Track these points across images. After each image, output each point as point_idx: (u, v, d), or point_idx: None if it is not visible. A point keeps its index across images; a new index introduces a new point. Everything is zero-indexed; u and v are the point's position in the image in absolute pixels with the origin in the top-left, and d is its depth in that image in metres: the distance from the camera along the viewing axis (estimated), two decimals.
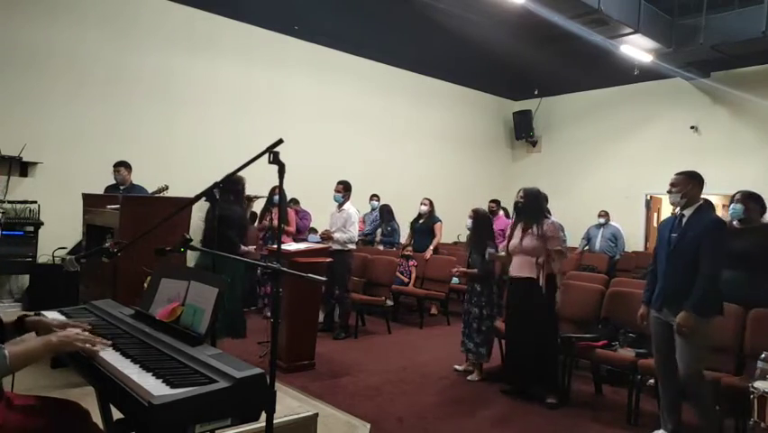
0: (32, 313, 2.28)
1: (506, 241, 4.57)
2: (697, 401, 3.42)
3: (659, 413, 3.67)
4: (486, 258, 4.80)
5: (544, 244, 4.23)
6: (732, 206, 4.20)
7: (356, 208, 6.44)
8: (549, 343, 4.26)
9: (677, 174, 3.58)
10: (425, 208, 7.87)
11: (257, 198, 6.83)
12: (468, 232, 5.17)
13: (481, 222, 5.02)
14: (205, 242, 4.51)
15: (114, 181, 5.84)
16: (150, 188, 5.85)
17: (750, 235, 4.00)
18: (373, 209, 8.46)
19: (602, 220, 9.24)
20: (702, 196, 3.96)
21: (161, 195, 5.63)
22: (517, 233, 4.42)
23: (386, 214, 8.27)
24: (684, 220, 3.52)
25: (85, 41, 7.07)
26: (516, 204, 4.51)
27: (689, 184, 3.53)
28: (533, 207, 4.40)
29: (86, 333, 1.87)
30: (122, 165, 5.81)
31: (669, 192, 3.60)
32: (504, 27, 9.70)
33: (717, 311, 3.43)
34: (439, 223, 7.90)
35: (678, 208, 3.60)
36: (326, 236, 6.19)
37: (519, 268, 4.34)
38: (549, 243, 4.23)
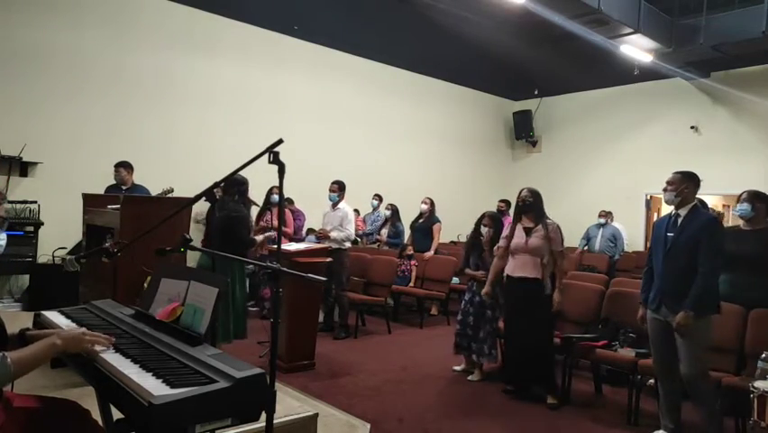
0: (33, 317, 2.29)
1: (505, 241, 4.51)
2: (701, 401, 3.41)
3: (659, 413, 3.67)
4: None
5: (549, 245, 4.24)
6: (739, 205, 4.19)
7: (350, 208, 6.41)
8: (548, 343, 4.25)
9: (674, 173, 3.60)
10: (425, 207, 7.86)
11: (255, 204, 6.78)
12: (479, 235, 5.05)
13: (499, 226, 4.95)
14: (208, 242, 4.51)
15: (114, 181, 5.84)
16: (154, 190, 5.83)
17: (754, 238, 3.99)
18: (374, 209, 8.43)
19: (602, 220, 9.23)
20: (701, 196, 3.97)
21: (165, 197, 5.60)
22: (518, 232, 4.39)
23: (393, 215, 8.26)
24: (680, 220, 3.54)
25: (85, 41, 7.07)
26: (523, 202, 4.42)
27: (684, 183, 3.55)
28: (539, 206, 4.41)
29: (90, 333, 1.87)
30: (121, 165, 5.80)
31: (664, 190, 3.62)
32: (504, 27, 9.70)
33: (714, 310, 3.45)
34: (438, 224, 7.90)
35: (673, 208, 3.61)
36: (323, 235, 6.17)
37: (522, 268, 4.30)
38: (552, 244, 4.25)
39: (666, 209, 12.20)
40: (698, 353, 3.38)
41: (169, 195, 5.64)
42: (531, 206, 4.39)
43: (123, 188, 5.71)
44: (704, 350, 3.43)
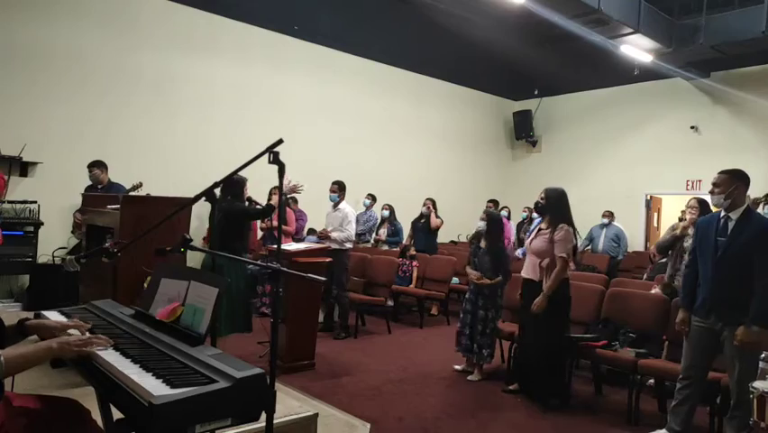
0: (33, 316, 2.29)
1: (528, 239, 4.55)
2: (743, 408, 3.25)
3: (660, 413, 3.67)
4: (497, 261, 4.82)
5: (552, 248, 4.16)
6: None
7: (352, 208, 6.41)
8: (554, 346, 4.16)
9: (720, 172, 3.33)
10: (425, 210, 7.88)
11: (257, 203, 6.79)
12: (475, 231, 5.11)
13: (494, 224, 4.95)
14: (211, 242, 4.52)
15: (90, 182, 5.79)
16: (154, 190, 5.80)
17: None
18: (367, 208, 8.37)
19: (605, 220, 9.24)
20: (702, 196, 3.87)
21: (137, 192, 5.53)
22: (535, 233, 4.40)
23: (390, 214, 8.25)
24: (731, 224, 3.28)
25: (85, 41, 7.07)
26: (536, 204, 4.46)
27: (733, 184, 3.27)
28: (554, 208, 4.27)
29: (87, 334, 1.87)
30: (94, 165, 5.78)
31: (711, 193, 3.37)
32: (504, 27, 9.70)
33: None
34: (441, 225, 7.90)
35: (722, 210, 3.35)
36: (324, 236, 6.18)
37: (526, 269, 4.36)
38: (555, 248, 4.14)
39: (667, 209, 12.07)
40: (755, 364, 3.18)
41: (139, 189, 5.55)
42: (544, 208, 4.34)
43: (99, 186, 5.68)
44: (756, 360, 3.27)
